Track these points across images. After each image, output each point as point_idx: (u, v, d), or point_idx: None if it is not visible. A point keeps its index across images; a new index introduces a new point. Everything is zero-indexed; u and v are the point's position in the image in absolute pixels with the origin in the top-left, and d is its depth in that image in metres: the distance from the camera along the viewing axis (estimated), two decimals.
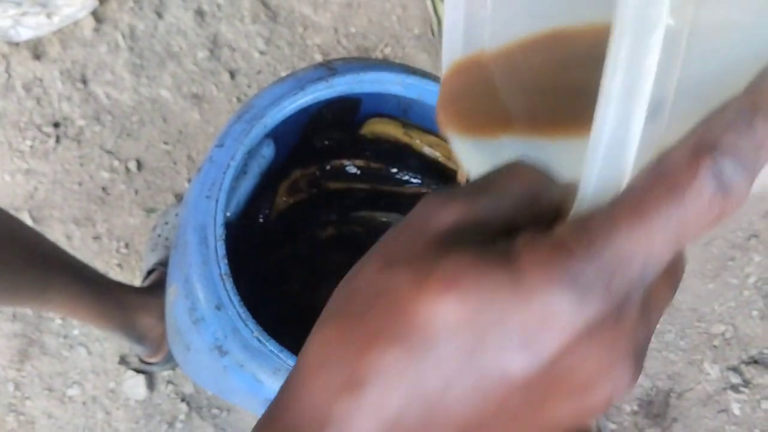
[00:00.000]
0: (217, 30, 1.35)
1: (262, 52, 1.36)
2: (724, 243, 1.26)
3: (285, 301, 0.78)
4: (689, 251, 1.22)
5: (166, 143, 1.30)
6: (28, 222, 1.27)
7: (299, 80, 0.63)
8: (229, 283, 0.54)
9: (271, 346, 0.53)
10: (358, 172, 0.84)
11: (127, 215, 1.26)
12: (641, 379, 1.19)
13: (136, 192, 1.28)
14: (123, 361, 1.18)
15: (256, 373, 0.56)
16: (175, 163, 1.31)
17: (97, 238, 1.25)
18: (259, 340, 0.53)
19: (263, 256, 0.82)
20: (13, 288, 0.75)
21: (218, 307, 0.56)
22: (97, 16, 1.35)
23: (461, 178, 0.84)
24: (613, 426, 1.16)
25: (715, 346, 1.21)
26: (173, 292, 0.62)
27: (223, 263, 0.55)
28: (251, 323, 0.53)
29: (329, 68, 0.63)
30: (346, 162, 0.84)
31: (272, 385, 0.55)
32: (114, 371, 1.18)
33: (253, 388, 0.57)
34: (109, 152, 1.30)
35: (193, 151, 1.31)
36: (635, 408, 1.18)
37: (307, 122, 0.91)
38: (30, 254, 0.78)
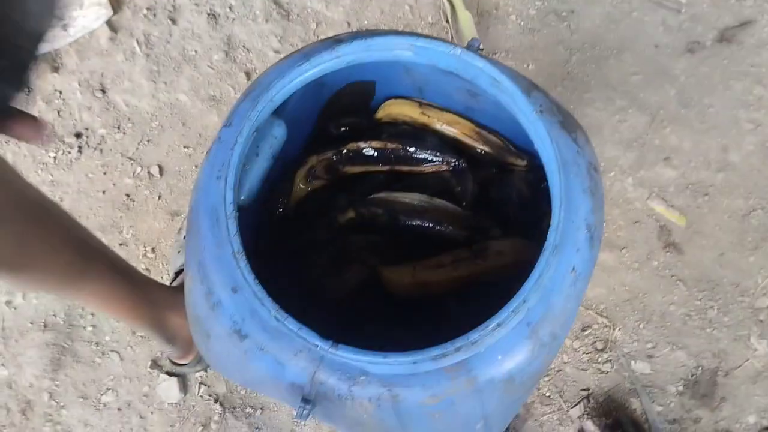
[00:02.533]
0: (230, 32, 1.35)
1: (276, 51, 1.35)
2: (764, 214, 1.21)
3: (307, 287, 0.76)
4: (726, 224, 1.17)
5: (186, 147, 1.30)
6: None
7: (305, 53, 0.62)
8: (242, 262, 0.53)
9: (290, 324, 0.51)
10: (375, 154, 0.82)
11: (152, 220, 1.26)
12: (685, 358, 1.14)
13: (160, 196, 1.28)
14: (155, 364, 1.18)
15: (277, 356, 0.54)
16: (196, 166, 1.31)
17: (123, 244, 1.25)
18: (278, 319, 0.51)
19: (283, 246, 0.81)
20: (51, 267, 0.74)
21: (234, 290, 0.55)
22: (111, 25, 1.36)
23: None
24: (658, 408, 1.12)
25: (761, 321, 1.16)
26: (189, 279, 0.61)
27: (236, 241, 0.53)
28: (268, 302, 0.52)
29: (336, 40, 0.62)
30: (362, 144, 0.82)
31: (295, 367, 0.53)
32: (147, 375, 1.18)
33: (276, 372, 0.55)
34: (131, 159, 1.30)
35: (199, 154, 1.31)
36: (681, 389, 1.13)
37: (321, 109, 0.89)
38: (67, 235, 0.78)
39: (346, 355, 0.50)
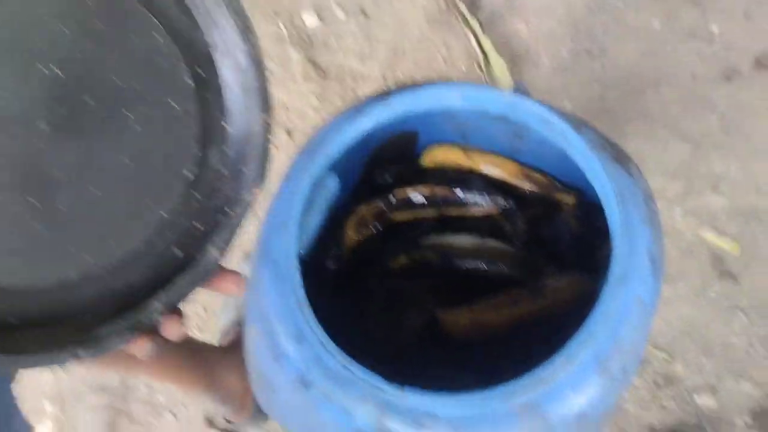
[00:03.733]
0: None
1: (315, 108, 1.40)
2: None
3: (363, 338, 0.76)
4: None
5: None
6: None
7: (358, 109, 0.64)
8: (307, 311, 0.54)
9: (356, 370, 0.52)
10: (424, 200, 0.84)
11: None
12: (750, 389, 1.10)
13: None
14: (210, 423, 1.18)
15: (343, 403, 0.54)
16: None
17: None
18: (344, 366, 0.52)
19: (337, 297, 0.82)
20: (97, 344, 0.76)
21: (298, 339, 0.56)
22: None
23: None
24: None
25: None
26: (252, 333, 0.62)
27: (300, 291, 0.54)
28: (333, 349, 0.52)
29: (386, 93, 0.64)
30: (410, 191, 0.83)
31: (361, 413, 0.54)
32: None
33: (343, 420, 0.55)
34: None
35: (260, 211, 1.34)
36: (749, 421, 1.08)
37: (368, 159, 0.91)
38: None
39: (413, 397, 0.50)
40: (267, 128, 0.51)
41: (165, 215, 0.48)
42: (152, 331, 0.47)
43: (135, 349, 0.46)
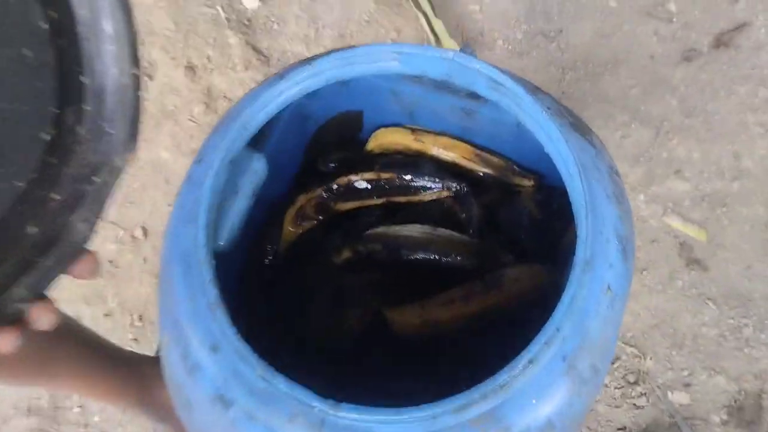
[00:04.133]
0: (209, 83, 1.30)
1: None
2: None
3: (304, 340, 0.67)
4: (749, 234, 1.09)
5: (170, 205, 1.23)
6: None
7: (280, 75, 0.55)
8: (220, 313, 0.44)
9: (281, 383, 0.43)
10: (369, 186, 0.75)
11: (138, 285, 1.18)
12: (725, 383, 1.04)
13: (145, 260, 1.20)
14: None
15: (270, 423, 0.45)
16: None
17: (108, 314, 1.17)
18: (265, 379, 0.43)
19: (276, 296, 0.73)
20: (15, 359, 0.67)
21: (214, 348, 0.47)
22: None
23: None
24: None
25: None
26: (164, 342, 0.53)
27: (211, 290, 0.45)
28: (253, 359, 0.43)
29: (313, 57, 0.55)
30: (353, 178, 0.75)
31: None
32: None
33: None
34: (112, 223, 1.23)
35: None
36: (725, 417, 1.03)
37: (307, 145, 0.83)
38: None
39: (351, 416, 0.41)
40: (136, 83, 0.43)
41: (19, 185, 0.40)
42: (18, 322, 0.39)
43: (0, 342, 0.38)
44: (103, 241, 1.21)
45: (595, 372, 0.47)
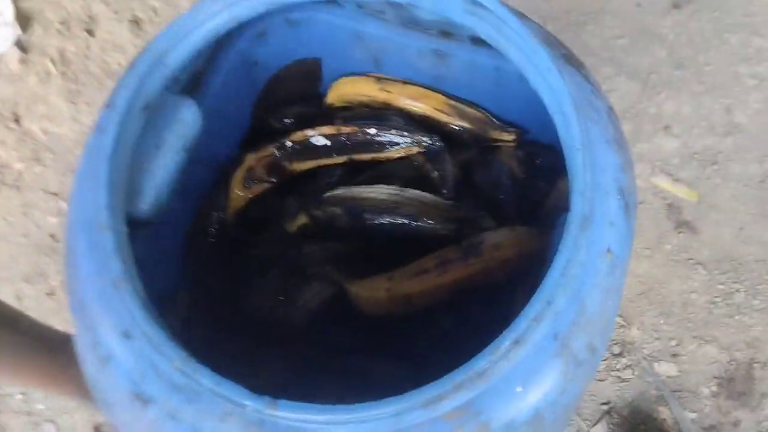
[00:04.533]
0: None
1: None
2: None
3: (256, 322, 0.58)
4: (742, 193, 1.02)
5: None
6: None
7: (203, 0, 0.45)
8: (128, 293, 0.35)
9: (204, 379, 0.34)
10: (328, 143, 0.66)
11: None
12: (715, 353, 0.98)
13: None
14: (98, 431, 0.98)
15: (197, 424, 0.37)
16: None
17: (51, 293, 1.07)
18: (185, 374, 0.34)
19: (223, 272, 0.63)
20: None
21: (126, 335, 0.37)
22: (21, 45, 1.19)
23: None
24: (692, 414, 0.96)
25: None
26: (75, 328, 0.43)
27: (116, 263, 0.36)
28: (169, 349, 0.34)
29: None
30: (310, 133, 0.65)
31: None
32: None
33: None
34: (53, 194, 1.12)
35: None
36: (714, 389, 0.97)
37: (258, 97, 0.73)
38: None
39: (292, 416, 0.33)
40: None
41: None
42: None
43: None
44: (44, 214, 1.11)
45: (592, 352, 0.39)
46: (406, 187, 0.66)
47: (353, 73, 0.73)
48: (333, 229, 0.60)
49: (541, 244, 0.56)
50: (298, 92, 0.75)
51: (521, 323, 0.34)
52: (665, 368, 0.98)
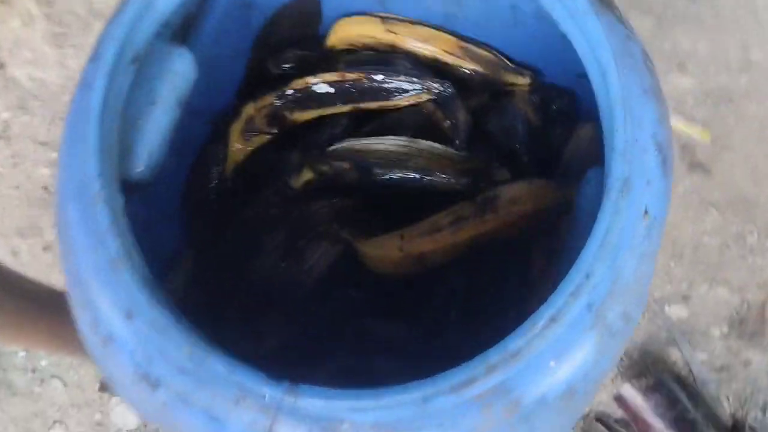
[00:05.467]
0: None
1: None
2: None
3: (259, 287, 0.56)
4: (756, 133, 0.99)
5: None
6: None
7: None
8: (127, 272, 0.32)
9: (217, 364, 0.31)
10: (332, 90, 0.62)
11: None
12: (726, 294, 0.97)
13: None
14: (104, 387, 0.98)
15: (209, 408, 0.34)
16: None
17: (47, 248, 1.04)
18: (193, 361, 0.31)
19: (224, 232, 0.60)
20: None
21: (128, 315, 0.35)
22: None
23: None
24: (702, 356, 0.95)
25: None
26: (72, 303, 0.40)
27: (112, 237, 0.33)
28: (177, 332, 0.32)
29: None
30: (312, 80, 0.61)
31: (238, 422, 0.34)
32: (97, 401, 0.98)
33: (214, 430, 0.35)
34: (43, 144, 1.08)
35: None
36: (725, 330, 0.96)
37: (254, 41, 0.68)
38: None
39: (314, 403, 0.30)
40: None
41: None
42: None
43: None
44: (35, 165, 1.07)
45: (626, 321, 0.36)
46: (416, 137, 0.62)
47: (356, 13, 0.68)
48: (340, 185, 0.57)
49: (560, 197, 0.53)
50: (297, 35, 0.70)
51: (558, 298, 0.32)
52: (676, 311, 0.97)
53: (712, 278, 0.98)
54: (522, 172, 0.61)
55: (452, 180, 0.55)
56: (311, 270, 0.55)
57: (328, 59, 0.68)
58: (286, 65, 0.69)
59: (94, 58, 0.38)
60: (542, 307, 0.32)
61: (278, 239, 0.57)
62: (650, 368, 0.95)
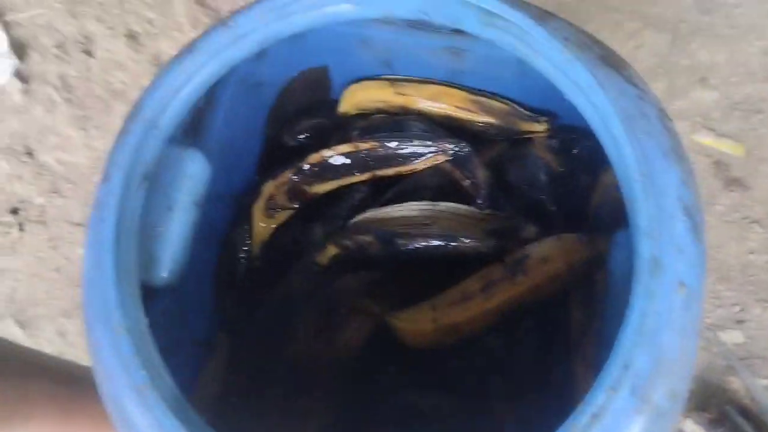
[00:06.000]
0: (157, 49, 1.14)
1: None
2: None
3: (293, 365, 0.55)
4: None
5: None
6: (15, 329, 1.08)
7: (191, 48, 0.40)
8: (155, 396, 0.32)
9: None
10: (348, 161, 0.61)
11: None
12: None
13: None
14: None
15: None
16: None
17: None
18: None
19: (257, 314, 0.60)
20: None
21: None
22: (21, 75, 1.16)
23: None
24: (764, 381, 0.91)
25: None
26: (111, 418, 0.40)
27: (138, 371, 0.32)
28: None
29: (236, 13, 0.40)
30: (326, 153, 0.61)
31: None
32: None
33: None
34: (78, 225, 1.10)
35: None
36: None
37: (268, 117, 0.69)
38: None
39: None
40: None
41: None
42: None
43: None
44: (72, 246, 1.09)
45: (674, 399, 0.34)
46: (438, 198, 0.61)
47: (364, 77, 0.68)
48: (366, 258, 0.56)
49: (592, 251, 0.52)
50: (308, 103, 0.70)
51: (598, 395, 0.30)
52: (731, 336, 0.93)
53: (765, 298, 0.94)
54: (550, 225, 0.59)
55: (478, 243, 0.54)
56: (345, 348, 0.54)
57: (341, 125, 0.68)
58: (302, 136, 0.69)
59: (106, 178, 0.38)
60: (582, 405, 0.31)
61: (309, 319, 0.56)
62: (711, 400, 0.91)
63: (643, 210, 0.33)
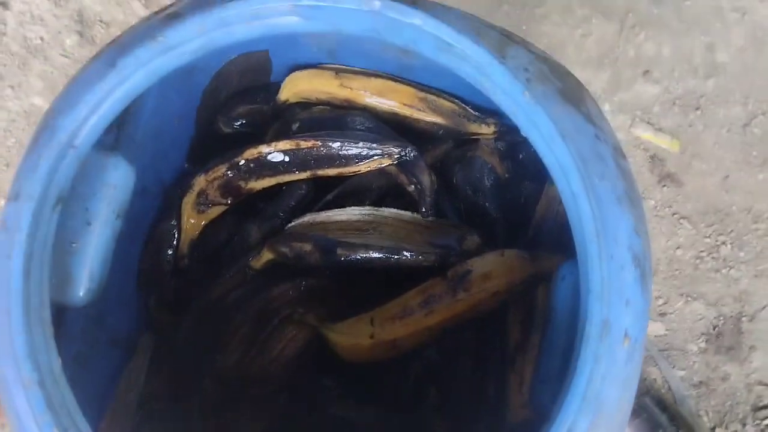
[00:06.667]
0: (80, 5, 1.05)
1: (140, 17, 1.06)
2: (767, 119, 1.01)
3: (225, 373, 0.53)
4: (726, 139, 0.98)
5: None
6: None
7: (111, 57, 0.35)
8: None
9: None
10: (287, 158, 0.58)
11: None
12: (702, 309, 0.96)
13: None
14: None
15: None
16: None
17: None
18: None
19: (183, 315, 0.57)
20: None
21: None
22: None
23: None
24: (681, 372, 0.95)
25: None
26: None
27: (50, 428, 0.29)
28: None
29: (169, 16, 0.36)
30: (265, 150, 0.57)
31: None
32: None
33: None
34: None
35: None
36: (703, 345, 0.96)
37: (201, 101, 0.64)
38: None
39: None
40: None
41: None
42: None
43: None
44: None
45: None
46: (381, 200, 0.59)
47: (307, 65, 0.64)
48: (303, 266, 0.54)
49: (533, 269, 0.51)
50: (246, 89, 0.66)
51: None
52: (652, 328, 0.96)
53: (688, 293, 0.97)
54: (492, 233, 0.58)
55: (420, 257, 0.52)
56: (278, 359, 0.52)
57: (281, 113, 0.65)
58: (237, 123, 0.65)
59: (15, 197, 0.34)
60: None
61: (241, 327, 0.53)
62: None
63: (596, 276, 0.31)
